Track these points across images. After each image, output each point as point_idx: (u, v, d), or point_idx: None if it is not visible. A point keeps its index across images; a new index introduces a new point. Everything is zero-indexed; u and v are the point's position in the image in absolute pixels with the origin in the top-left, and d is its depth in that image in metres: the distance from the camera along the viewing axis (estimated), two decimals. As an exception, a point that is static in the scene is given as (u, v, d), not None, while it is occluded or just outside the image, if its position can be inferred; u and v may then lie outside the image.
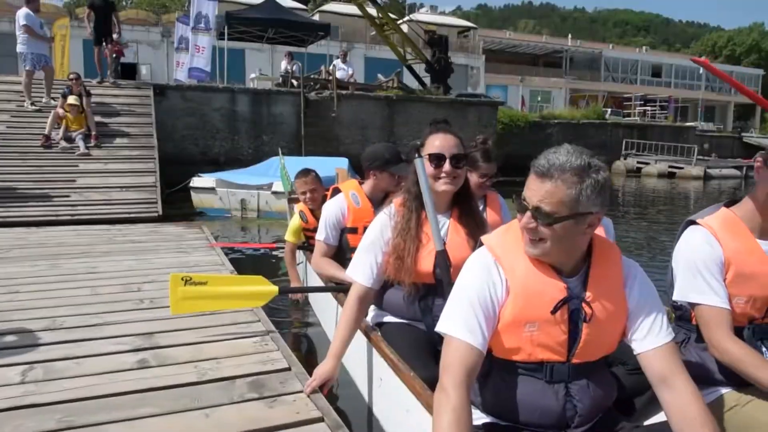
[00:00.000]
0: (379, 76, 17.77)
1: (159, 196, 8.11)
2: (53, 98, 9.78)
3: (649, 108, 34.77)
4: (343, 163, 8.84)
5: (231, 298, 2.85)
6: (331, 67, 14.77)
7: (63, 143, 8.82)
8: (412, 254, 2.15)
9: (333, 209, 2.99)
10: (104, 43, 10.90)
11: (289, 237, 4.12)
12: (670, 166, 25.53)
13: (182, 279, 2.73)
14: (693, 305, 1.77)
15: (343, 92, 14.02)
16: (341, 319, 2.25)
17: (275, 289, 2.82)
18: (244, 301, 2.91)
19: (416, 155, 2.14)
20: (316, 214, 3.88)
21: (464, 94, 25.19)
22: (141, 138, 9.67)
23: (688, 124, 33.66)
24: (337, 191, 3.09)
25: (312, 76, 15.08)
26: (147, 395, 2.16)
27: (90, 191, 7.76)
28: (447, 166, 2.16)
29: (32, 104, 9.70)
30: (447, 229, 2.24)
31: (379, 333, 2.32)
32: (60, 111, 8.92)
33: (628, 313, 1.54)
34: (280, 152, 8.30)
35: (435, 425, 1.39)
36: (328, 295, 3.25)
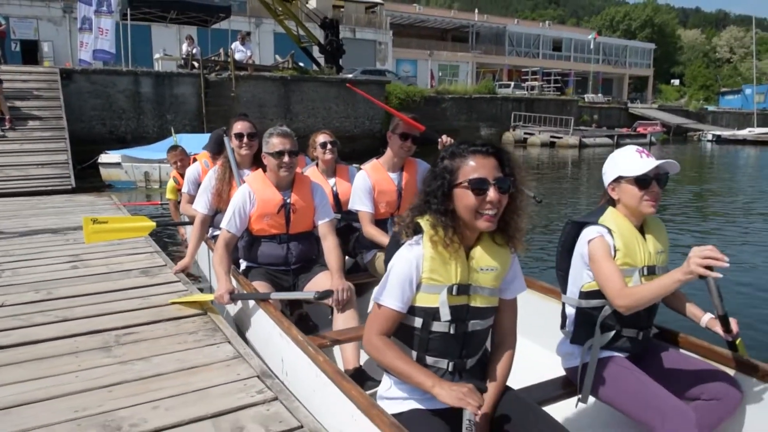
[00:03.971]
0: (276, 57, 19.08)
1: (71, 171, 9.42)
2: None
3: (536, 82, 37.43)
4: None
5: (125, 231, 4.51)
6: (229, 50, 16.02)
7: (-21, 126, 9.86)
8: (226, 192, 3.88)
9: (192, 172, 4.67)
10: None
11: (168, 195, 5.83)
12: (551, 136, 28.49)
13: (91, 220, 4.34)
14: (357, 211, 3.66)
15: (242, 73, 15.36)
16: (192, 234, 4.01)
17: (153, 224, 4.53)
18: (134, 233, 4.57)
19: (224, 135, 3.91)
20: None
21: (369, 70, 26.74)
22: (52, 120, 10.79)
23: (570, 97, 36.66)
24: (194, 160, 4.80)
25: (212, 59, 16.27)
26: (79, 278, 3.87)
27: (9, 168, 8.96)
28: (245, 139, 3.89)
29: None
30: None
31: (214, 241, 4.10)
32: (-27, 97, 9.91)
33: (315, 208, 3.37)
34: (172, 131, 9.78)
35: (213, 257, 3.19)
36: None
